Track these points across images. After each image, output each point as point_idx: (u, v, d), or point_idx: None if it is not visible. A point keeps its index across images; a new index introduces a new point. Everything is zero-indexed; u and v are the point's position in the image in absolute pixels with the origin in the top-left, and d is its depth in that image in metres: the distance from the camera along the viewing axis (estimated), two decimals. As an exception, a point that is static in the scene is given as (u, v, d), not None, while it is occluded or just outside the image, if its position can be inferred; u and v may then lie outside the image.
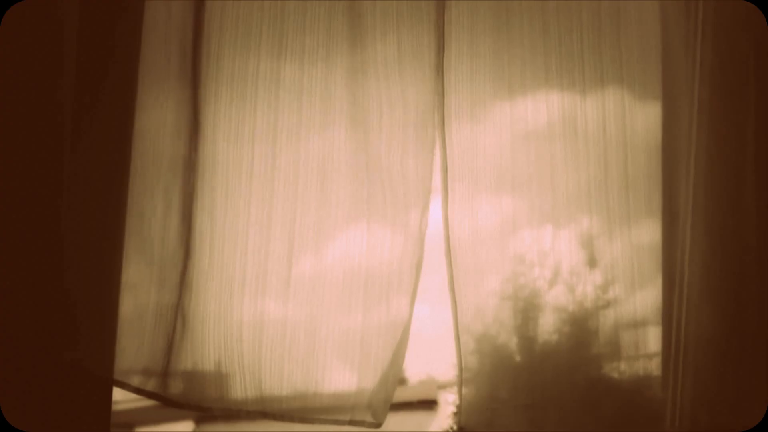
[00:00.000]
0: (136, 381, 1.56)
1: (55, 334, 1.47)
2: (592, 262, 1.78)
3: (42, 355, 1.46)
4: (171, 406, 1.59)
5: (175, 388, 1.58)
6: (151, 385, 1.57)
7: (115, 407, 1.59)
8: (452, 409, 1.75)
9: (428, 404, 2.04)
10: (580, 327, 1.76)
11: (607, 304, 1.77)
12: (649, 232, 1.80)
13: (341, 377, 1.66)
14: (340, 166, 1.69)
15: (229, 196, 1.64)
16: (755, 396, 1.58)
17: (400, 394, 2.09)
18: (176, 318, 1.61)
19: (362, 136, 1.71)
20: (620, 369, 1.76)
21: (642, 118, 1.82)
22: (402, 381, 2.15)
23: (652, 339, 1.77)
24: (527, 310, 1.76)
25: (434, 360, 1.90)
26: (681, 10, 1.77)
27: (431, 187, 1.72)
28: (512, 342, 1.77)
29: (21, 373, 1.44)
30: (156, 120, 1.64)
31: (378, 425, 1.65)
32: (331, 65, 1.70)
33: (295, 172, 1.67)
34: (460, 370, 1.71)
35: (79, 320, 1.49)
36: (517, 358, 1.77)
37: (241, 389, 1.62)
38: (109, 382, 1.53)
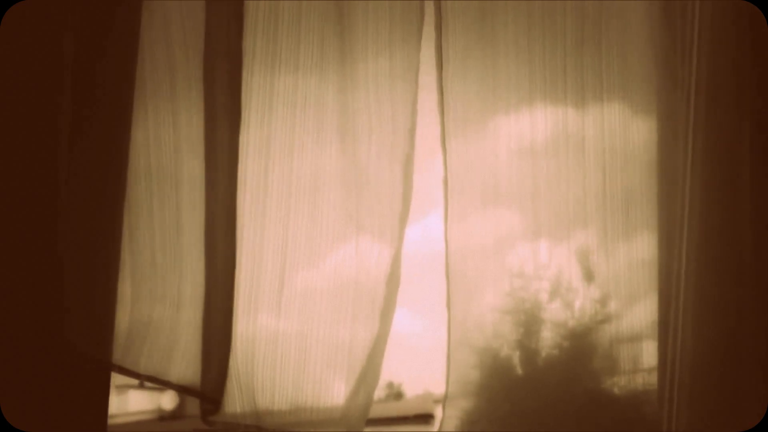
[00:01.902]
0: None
1: (53, 331, 1.48)
2: (589, 277, 1.78)
3: (41, 354, 1.46)
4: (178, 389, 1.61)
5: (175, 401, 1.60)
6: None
7: (111, 420, 1.59)
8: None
9: (424, 418, 2.03)
10: (578, 341, 1.77)
11: (606, 319, 1.77)
12: (645, 247, 1.80)
13: (332, 391, 1.67)
14: (331, 179, 1.70)
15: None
16: (751, 408, 1.59)
17: (396, 408, 2.09)
18: (176, 331, 1.61)
19: (352, 150, 1.71)
20: (619, 383, 1.76)
21: (638, 131, 1.82)
22: (398, 395, 2.15)
23: (651, 353, 1.77)
24: (528, 324, 1.76)
25: (431, 374, 1.90)
26: (676, 11, 1.77)
27: (410, 202, 1.73)
28: (509, 356, 1.77)
29: (20, 372, 1.44)
30: (151, 132, 1.64)
31: None
32: (324, 79, 1.71)
33: (288, 186, 1.68)
34: (447, 384, 1.72)
35: (77, 311, 1.50)
36: (514, 371, 1.77)
37: (239, 403, 1.62)
38: (107, 377, 1.54)
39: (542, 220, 1.77)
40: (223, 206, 1.62)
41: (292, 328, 1.66)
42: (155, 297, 1.60)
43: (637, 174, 1.80)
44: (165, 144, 1.65)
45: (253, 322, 1.64)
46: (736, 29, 1.66)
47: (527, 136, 1.79)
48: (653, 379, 1.75)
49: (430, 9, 1.79)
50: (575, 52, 1.81)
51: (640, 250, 1.79)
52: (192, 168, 1.62)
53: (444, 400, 1.72)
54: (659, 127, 1.81)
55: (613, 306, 1.78)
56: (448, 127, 1.75)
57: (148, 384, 2.28)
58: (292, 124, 1.69)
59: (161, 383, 1.59)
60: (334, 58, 1.72)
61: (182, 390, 1.59)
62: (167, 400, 2.30)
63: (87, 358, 1.50)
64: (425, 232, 1.80)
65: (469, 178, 1.77)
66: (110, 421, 1.58)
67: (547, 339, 1.77)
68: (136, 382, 2.32)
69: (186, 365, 1.60)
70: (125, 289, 1.60)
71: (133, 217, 1.61)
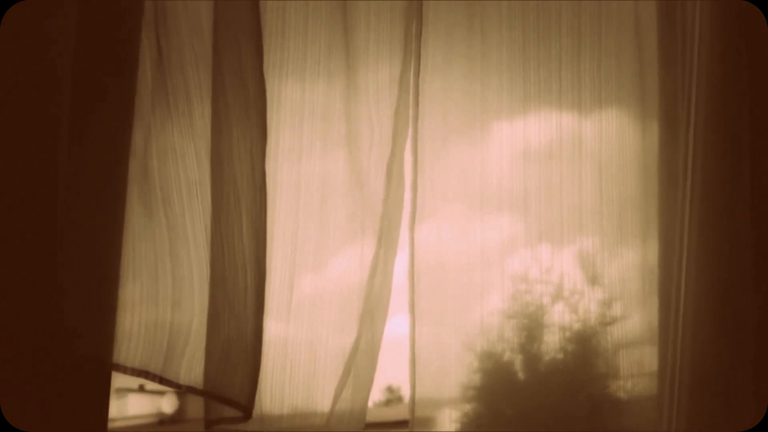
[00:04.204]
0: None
1: (53, 331, 1.48)
2: (592, 281, 1.78)
3: (41, 354, 1.46)
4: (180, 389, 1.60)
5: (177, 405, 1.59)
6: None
7: (111, 425, 1.59)
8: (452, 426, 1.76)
9: (424, 422, 2.03)
10: (582, 345, 1.77)
11: (607, 324, 1.77)
12: (645, 251, 1.80)
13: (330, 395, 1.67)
14: (337, 186, 1.71)
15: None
16: (751, 409, 1.59)
17: (398, 412, 2.09)
18: (181, 335, 1.60)
19: (355, 157, 1.72)
20: (622, 388, 1.76)
21: (639, 136, 1.82)
22: (399, 399, 2.15)
23: (652, 357, 1.77)
24: (527, 329, 1.76)
25: (432, 378, 1.88)
26: (676, 12, 1.77)
27: (402, 208, 1.73)
28: (510, 360, 1.77)
29: (20, 372, 1.44)
30: (157, 138, 1.64)
31: None
32: (331, 87, 1.72)
33: (296, 192, 1.69)
34: (413, 389, 1.72)
35: (77, 310, 1.50)
36: (512, 377, 1.77)
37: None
38: (107, 378, 1.54)
39: (537, 226, 1.77)
40: (249, 213, 1.61)
41: (301, 333, 1.67)
42: (194, 306, 1.60)
43: (637, 179, 1.81)
44: (198, 153, 1.65)
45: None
46: (736, 30, 1.67)
47: (520, 142, 1.79)
48: (654, 381, 1.75)
49: (427, 13, 1.79)
50: (572, 55, 1.81)
51: (640, 255, 1.79)
52: (235, 176, 1.62)
53: (412, 404, 1.72)
54: (659, 131, 1.81)
55: (615, 310, 1.78)
56: (423, 132, 1.76)
57: (148, 387, 2.28)
58: (300, 130, 1.70)
59: (200, 394, 1.58)
60: (338, 62, 1.73)
61: (222, 401, 1.57)
62: (167, 404, 2.29)
63: (87, 359, 1.50)
64: (425, 238, 1.79)
65: (465, 186, 1.77)
66: (110, 425, 1.58)
67: (550, 343, 1.77)
68: (135, 385, 2.32)
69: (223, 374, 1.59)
70: (166, 296, 1.60)
71: (171, 226, 1.61)
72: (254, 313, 1.56)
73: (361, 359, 1.68)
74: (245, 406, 1.55)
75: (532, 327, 1.77)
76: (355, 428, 1.67)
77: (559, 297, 1.78)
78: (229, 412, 1.57)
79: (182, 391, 1.59)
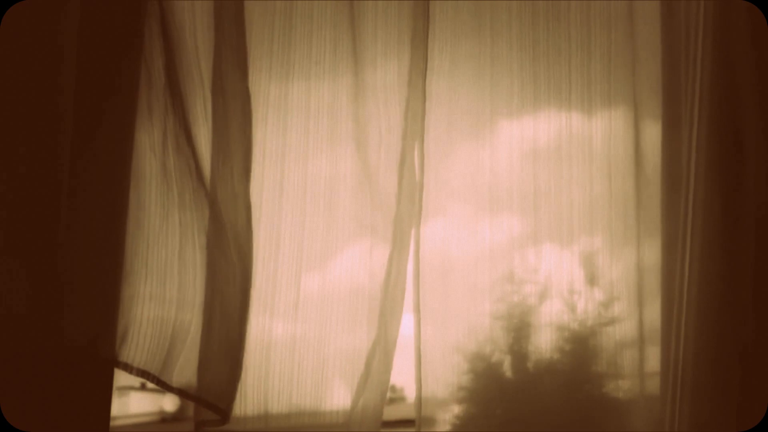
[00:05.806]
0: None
1: (54, 330, 1.48)
2: (592, 281, 1.78)
3: (41, 354, 1.47)
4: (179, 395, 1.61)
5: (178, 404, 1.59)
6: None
7: (112, 422, 1.59)
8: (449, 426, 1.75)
9: (426, 422, 2.03)
10: (582, 345, 1.77)
11: (608, 323, 1.77)
12: (649, 252, 1.80)
13: (346, 396, 1.68)
14: (345, 185, 1.71)
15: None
16: (751, 409, 1.59)
17: (399, 412, 2.09)
18: (179, 338, 1.61)
19: (363, 157, 1.72)
20: (623, 388, 1.76)
21: (642, 136, 1.82)
22: (401, 398, 2.15)
23: (653, 357, 1.77)
24: (521, 329, 1.76)
25: (434, 378, 1.89)
26: (680, 13, 1.77)
27: (413, 206, 1.73)
28: (507, 360, 1.77)
29: (20, 372, 1.45)
30: (172, 138, 1.64)
31: None
32: (337, 87, 1.72)
33: (303, 192, 1.69)
34: (419, 389, 1.72)
35: (78, 309, 1.51)
36: (511, 376, 1.77)
37: (244, 407, 1.62)
38: (108, 377, 1.54)
39: (548, 224, 1.77)
40: (233, 226, 1.61)
41: (308, 333, 1.66)
42: (195, 309, 1.60)
43: (641, 179, 1.81)
44: (200, 158, 1.65)
45: (268, 327, 1.65)
46: (738, 30, 1.67)
47: (528, 141, 1.79)
48: (655, 382, 1.75)
49: (435, 13, 1.79)
50: (581, 56, 1.81)
51: (644, 255, 1.79)
52: (217, 190, 1.62)
53: (418, 403, 1.72)
54: (662, 131, 1.81)
55: (616, 310, 1.78)
56: (430, 131, 1.75)
57: (150, 386, 2.28)
58: (306, 129, 1.70)
59: (186, 397, 1.59)
60: (345, 61, 1.73)
61: (204, 404, 1.57)
62: (169, 402, 2.29)
63: (89, 358, 1.51)
64: (430, 238, 1.79)
65: (469, 184, 1.77)
66: (111, 423, 1.58)
67: (549, 342, 1.77)
68: (137, 383, 2.32)
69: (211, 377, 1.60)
70: (172, 298, 1.60)
71: (183, 227, 1.61)
72: (239, 321, 1.57)
73: (376, 360, 1.68)
74: (223, 409, 1.55)
75: (534, 327, 1.77)
76: (370, 428, 1.67)
77: (563, 297, 1.78)
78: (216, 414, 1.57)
79: (174, 393, 1.60)
